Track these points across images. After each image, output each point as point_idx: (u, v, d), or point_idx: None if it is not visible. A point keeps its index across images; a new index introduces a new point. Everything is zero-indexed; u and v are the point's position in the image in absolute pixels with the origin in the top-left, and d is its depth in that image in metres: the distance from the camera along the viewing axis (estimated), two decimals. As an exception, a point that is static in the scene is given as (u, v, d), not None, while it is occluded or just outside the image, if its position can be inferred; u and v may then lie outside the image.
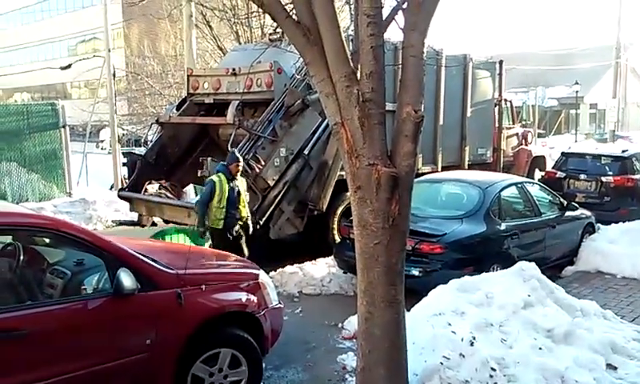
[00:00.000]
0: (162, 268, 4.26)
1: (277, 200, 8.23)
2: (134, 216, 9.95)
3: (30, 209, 6.44)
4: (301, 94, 8.46)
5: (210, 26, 17.54)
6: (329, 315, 6.82)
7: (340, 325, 6.45)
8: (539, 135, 28.98)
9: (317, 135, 8.67)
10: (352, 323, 6.09)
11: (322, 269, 8.28)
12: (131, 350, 4.06)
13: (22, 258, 4.26)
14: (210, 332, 4.40)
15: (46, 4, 56.99)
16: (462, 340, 4.85)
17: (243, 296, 4.68)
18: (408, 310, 4.76)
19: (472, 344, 4.83)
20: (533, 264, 6.03)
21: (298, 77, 8.67)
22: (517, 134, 14.62)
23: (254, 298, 4.72)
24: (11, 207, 5.10)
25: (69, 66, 18.31)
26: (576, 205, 9.03)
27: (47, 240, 4.41)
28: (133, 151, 12.10)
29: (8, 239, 4.40)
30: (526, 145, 14.69)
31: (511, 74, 19.25)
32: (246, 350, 4.58)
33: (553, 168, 12.53)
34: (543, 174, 13.54)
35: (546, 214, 8.26)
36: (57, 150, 13.31)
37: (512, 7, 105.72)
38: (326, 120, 8.11)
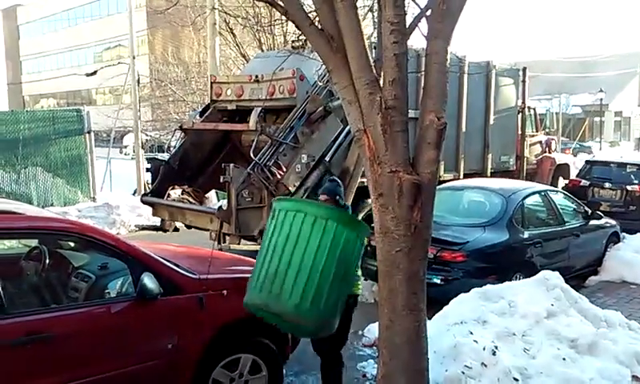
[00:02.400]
0: (184, 273, 4.29)
1: (298, 206, 8.22)
2: (157, 221, 10.03)
3: (55, 213, 6.54)
4: (323, 101, 8.47)
5: (233, 34, 17.68)
6: (349, 322, 6.79)
7: (360, 332, 6.42)
8: (567, 146, 28.65)
9: (338, 142, 8.67)
10: (372, 331, 6.06)
11: (342, 276, 8.24)
12: (153, 353, 4.09)
13: (47, 261, 4.32)
14: (230, 337, 4.42)
15: (72, 12, 58.07)
16: (484, 349, 4.80)
17: (264, 302, 4.68)
18: (429, 319, 4.73)
19: (494, 353, 4.78)
20: (556, 273, 5.96)
21: (320, 84, 8.68)
22: (540, 142, 14.48)
23: (275, 304, 4.73)
24: (37, 211, 5.19)
25: (94, 73, 18.62)
26: (600, 213, 8.91)
27: (72, 244, 4.48)
28: (156, 157, 12.22)
29: (34, 243, 4.48)
30: (550, 152, 14.54)
31: (535, 81, 19.12)
32: (267, 355, 4.60)
33: (577, 176, 12.38)
34: (567, 182, 13.39)
35: (570, 223, 8.16)
36: (81, 155, 13.53)
37: (536, 14, 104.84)
38: (348, 127, 8.12)
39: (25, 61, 68.59)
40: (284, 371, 4.83)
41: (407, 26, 3.74)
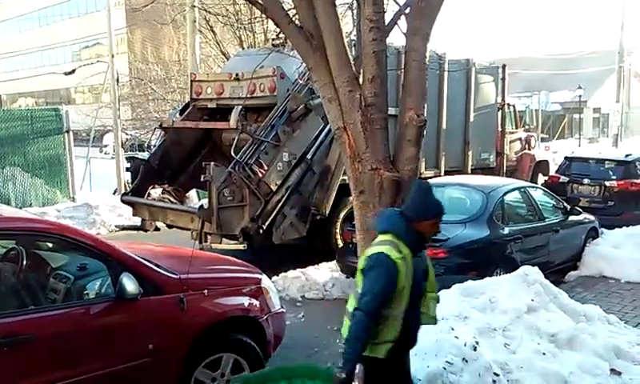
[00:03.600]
0: (164, 273, 4.26)
1: (279, 205, 8.23)
2: (138, 221, 9.95)
3: (34, 213, 6.45)
4: (303, 99, 8.47)
5: (213, 32, 17.61)
6: (332, 320, 6.79)
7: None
8: (542, 139, 28.99)
9: (319, 140, 8.68)
10: (355, 328, 6.07)
11: (324, 273, 8.27)
12: (134, 354, 4.05)
13: (25, 262, 4.27)
14: (212, 337, 4.40)
15: (50, 10, 57.27)
16: (465, 345, 4.83)
17: (246, 301, 4.68)
18: (411, 315, 4.75)
19: (475, 349, 4.80)
20: (536, 268, 6.01)
21: (301, 82, 8.67)
22: (520, 139, 14.62)
23: (256, 303, 4.72)
24: (14, 212, 5.11)
25: (73, 72, 18.38)
26: (579, 209, 9.00)
27: (50, 245, 4.43)
28: (136, 156, 12.10)
29: (11, 244, 4.41)
30: (529, 149, 14.68)
31: (514, 78, 19.27)
32: (249, 354, 4.58)
33: (556, 172, 12.51)
34: (546, 178, 13.53)
35: (550, 219, 8.24)
36: (60, 154, 13.36)
37: (515, 12, 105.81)
38: (329, 125, 8.10)
39: (1, 59, 67.59)
40: (266, 370, 4.81)
41: (386, 24, 3.75)
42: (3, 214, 4.05)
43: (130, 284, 3.88)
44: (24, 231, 4.09)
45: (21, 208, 10.62)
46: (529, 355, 4.92)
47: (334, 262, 8.26)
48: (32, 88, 57.48)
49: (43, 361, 3.69)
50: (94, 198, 13.39)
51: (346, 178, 8.35)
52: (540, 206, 8.25)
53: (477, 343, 4.85)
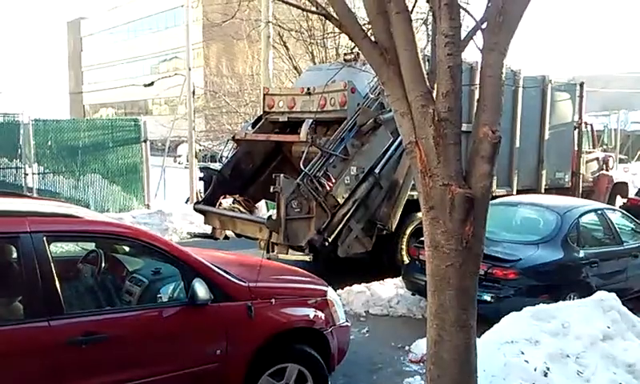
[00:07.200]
0: (234, 280, 4.34)
1: (346, 218, 8.23)
2: (208, 229, 10.21)
3: (111, 218, 6.74)
4: (373, 113, 8.48)
5: (286, 47, 17.93)
6: (396, 337, 6.74)
7: (407, 347, 6.36)
8: (621, 160, 27.74)
9: (388, 154, 8.64)
10: (419, 346, 5.99)
11: (389, 289, 8.20)
12: (202, 359, 4.14)
13: (103, 264, 4.46)
14: (277, 346, 4.44)
15: (132, 25, 60.02)
16: (535, 370, 4.67)
17: (311, 312, 4.70)
18: (479, 337, 4.63)
19: (546, 375, 4.64)
20: (613, 295, 5.75)
21: (372, 96, 8.69)
22: (597, 159, 14.06)
23: (321, 315, 4.73)
24: (95, 215, 5.36)
25: (151, 84, 19.20)
26: (661, 234, 8.55)
27: (127, 248, 4.61)
28: (209, 166, 12.45)
29: (91, 246, 4.63)
30: (607, 170, 14.08)
31: (592, 96, 18.59)
32: (313, 366, 4.59)
33: (636, 195, 11.94)
34: (625, 201, 12.93)
35: (628, 243, 7.86)
36: (137, 163, 13.94)
37: (594, 28, 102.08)
38: (398, 139, 8.10)
39: (86, 71, 71.29)
40: (329, 383, 4.80)
41: (462, 39, 3.71)
42: (85, 218, 4.24)
43: (201, 290, 3.98)
44: (103, 234, 4.27)
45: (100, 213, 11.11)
46: (604, 385, 4.70)
47: (400, 278, 8.18)
48: (113, 99, 60.34)
49: (115, 360, 3.82)
50: (167, 206, 13.87)
51: (413, 193, 8.32)
52: (618, 230, 7.88)
53: (547, 369, 4.69)
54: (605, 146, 15.58)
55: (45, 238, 3.70)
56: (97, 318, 3.87)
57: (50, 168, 13.12)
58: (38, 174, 12.96)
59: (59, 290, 3.66)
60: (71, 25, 73.27)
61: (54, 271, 3.66)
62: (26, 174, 12.75)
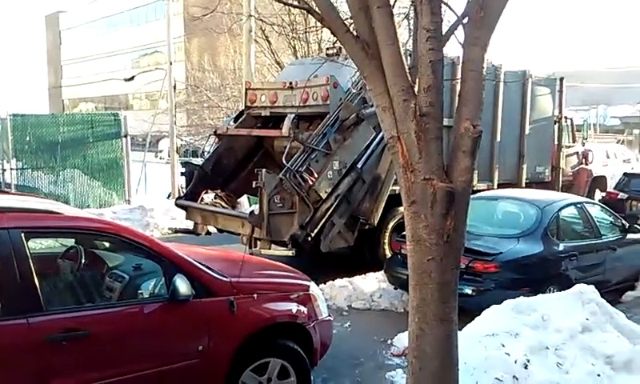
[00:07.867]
0: (216, 275, 4.32)
1: (328, 213, 8.25)
2: (190, 224, 10.16)
3: (92, 214, 6.66)
4: (356, 108, 8.49)
5: (268, 41, 17.87)
6: (378, 331, 6.77)
7: (389, 341, 6.39)
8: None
9: (370, 149, 8.66)
10: (401, 340, 6.02)
11: (372, 284, 8.23)
12: (183, 355, 4.12)
13: (83, 260, 4.42)
14: (260, 341, 4.44)
15: (112, 19, 59.36)
16: (516, 362, 4.72)
17: (294, 307, 4.70)
18: (460, 330, 4.66)
19: (526, 367, 4.69)
20: (592, 287, 5.82)
21: (354, 91, 8.70)
22: (577, 153, 14.24)
23: (304, 310, 4.74)
24: (75, 211, 5.30)
25: (132, 78, 18.99)
26: (639, 227, 8.69)
27: (107, 244, 4.56)
28: (190, 161, 12.40)
29: (71, 242, 4.57)
30: (587, 164, 14.27)
31: (572, 91, 18.77)
32: (296, 361, 4.60)
33: (614, 188, 12.10)
34: (604, 194, 13.10)
35: (607, 236, 7.98)
36: (118, 158, 13.82)
37: (574, 24, 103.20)
38: (380, 134, 8.11)
39: (65, 66, 70.38)
40: (312, 377, 4.81)
41: (443, 34, 3.72)
42: (65, 213, 4.18)
43: (182, 285, 3.96)
44: (83, 230, 4.21)
45: (80, 209, 10.99)
46: (583, 376, 4.76)
47: (382, 272, 8.22)
48: (93, 94, 59.66)
49: (96, 356, 3.78)
50: (148, 202, 13.77)
51: (395, 188, 8.35)
52: (597, 223, 7.99)
53: (528, 361, 4.74)
54: (584, 141, 15.77)
55: (23, 234, 3.65)
56: (77, 315, 3.83)
57: (28, 164, 12.95)
58: (17, 169, 12.78)
59: (38, 287, 3.61)
60: (49, 18, 72.29)
61: (33, 268, 3.61)
62: (3, 170, 12.57)
